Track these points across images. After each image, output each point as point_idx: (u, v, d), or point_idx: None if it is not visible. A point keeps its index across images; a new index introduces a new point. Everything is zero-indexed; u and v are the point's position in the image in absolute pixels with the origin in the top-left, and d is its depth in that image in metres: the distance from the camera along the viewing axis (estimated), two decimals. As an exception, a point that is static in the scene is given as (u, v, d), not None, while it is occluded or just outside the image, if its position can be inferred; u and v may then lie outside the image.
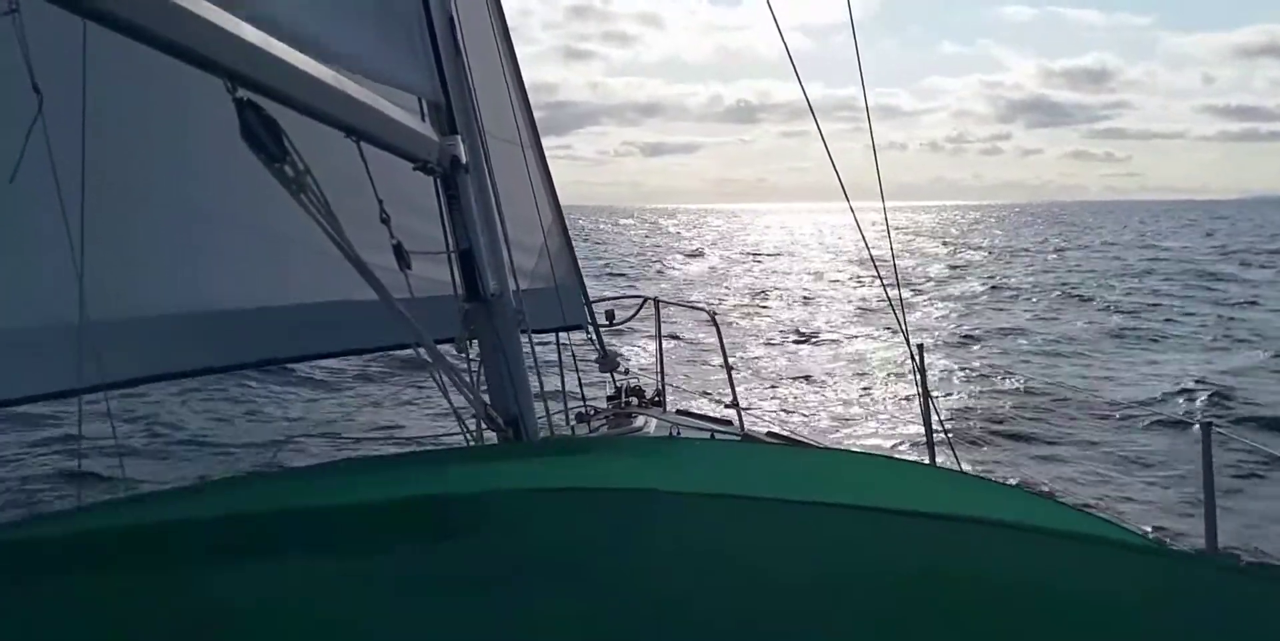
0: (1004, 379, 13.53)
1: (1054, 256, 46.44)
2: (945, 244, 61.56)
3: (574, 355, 5.53)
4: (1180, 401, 12.30)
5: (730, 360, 6.67)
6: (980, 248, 56.52)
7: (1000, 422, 11.49)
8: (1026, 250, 52.77)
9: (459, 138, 3.07)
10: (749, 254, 53.96)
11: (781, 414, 12.27)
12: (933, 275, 34.36)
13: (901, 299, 4.44)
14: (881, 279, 4.42)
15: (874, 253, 4.68)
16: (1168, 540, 7.07)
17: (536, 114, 5.06)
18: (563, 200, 5.14)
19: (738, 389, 6.68)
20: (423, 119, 3.04)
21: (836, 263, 43.93)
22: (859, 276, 32.77)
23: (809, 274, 37.29)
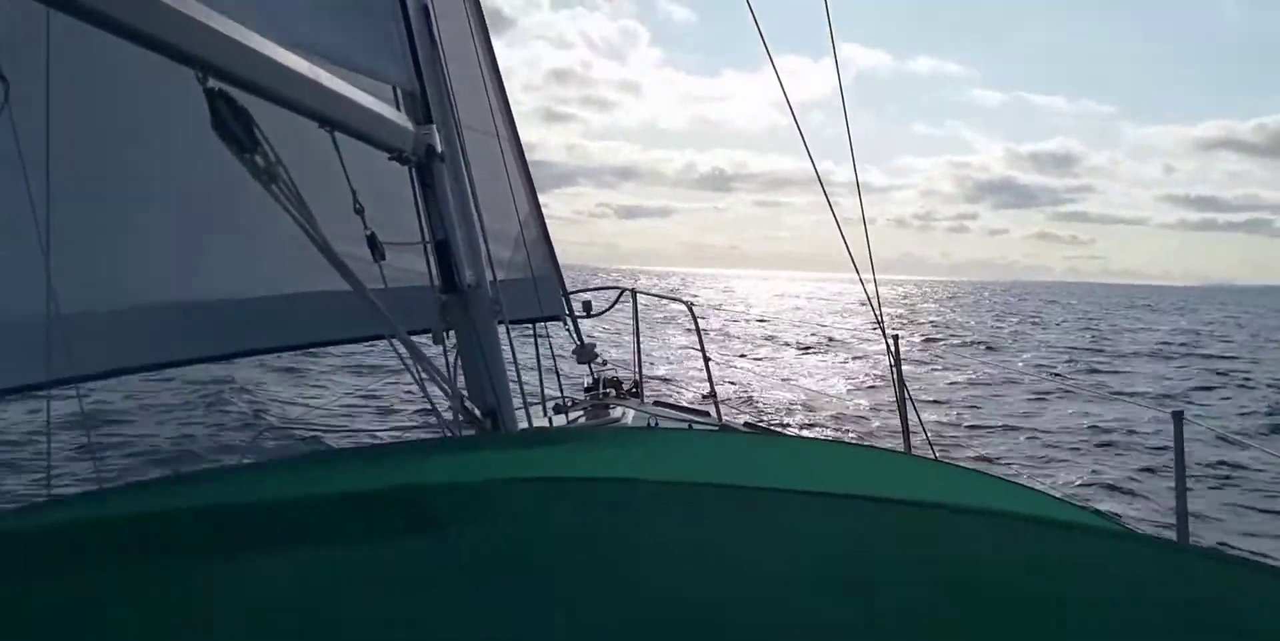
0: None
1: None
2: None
3: (551, 346, 5.53)
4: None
5: (707, 352, 6.68)
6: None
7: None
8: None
9: (434, 127, 3.04)
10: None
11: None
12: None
13: (878, 293, 4.50)
14: (861, 280, 4.49)
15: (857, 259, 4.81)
16: (1142, 528, 7.16)
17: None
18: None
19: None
20: (398, 108, 3.01)
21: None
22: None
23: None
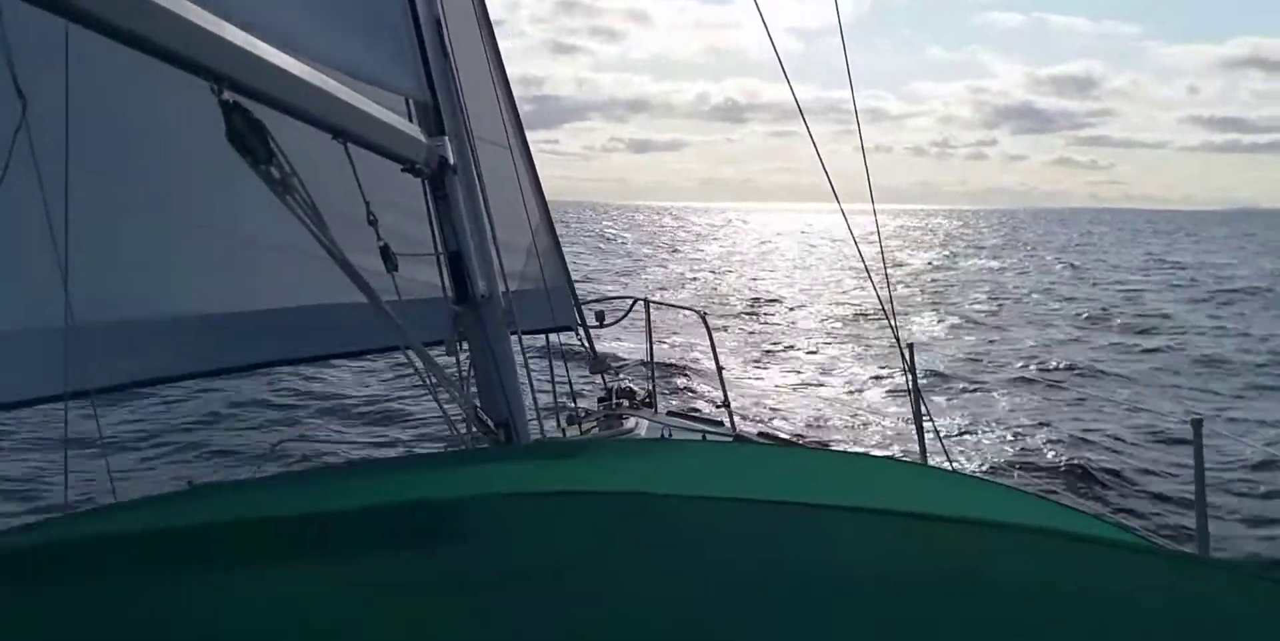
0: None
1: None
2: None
3: (564, 356, 5.53)
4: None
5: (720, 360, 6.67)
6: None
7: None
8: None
9: (446, 139, 3.06)
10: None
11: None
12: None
13: (892, 300, 4.48)
14: (873, 282, 4.46)
15: (863, 253, 4.70)
16: (1163, 540, 7.10)
17: (523, 108, 5.04)
18: (549, 195, 5.13)
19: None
20: (410, 120, 3.03)
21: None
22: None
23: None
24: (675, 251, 55.75)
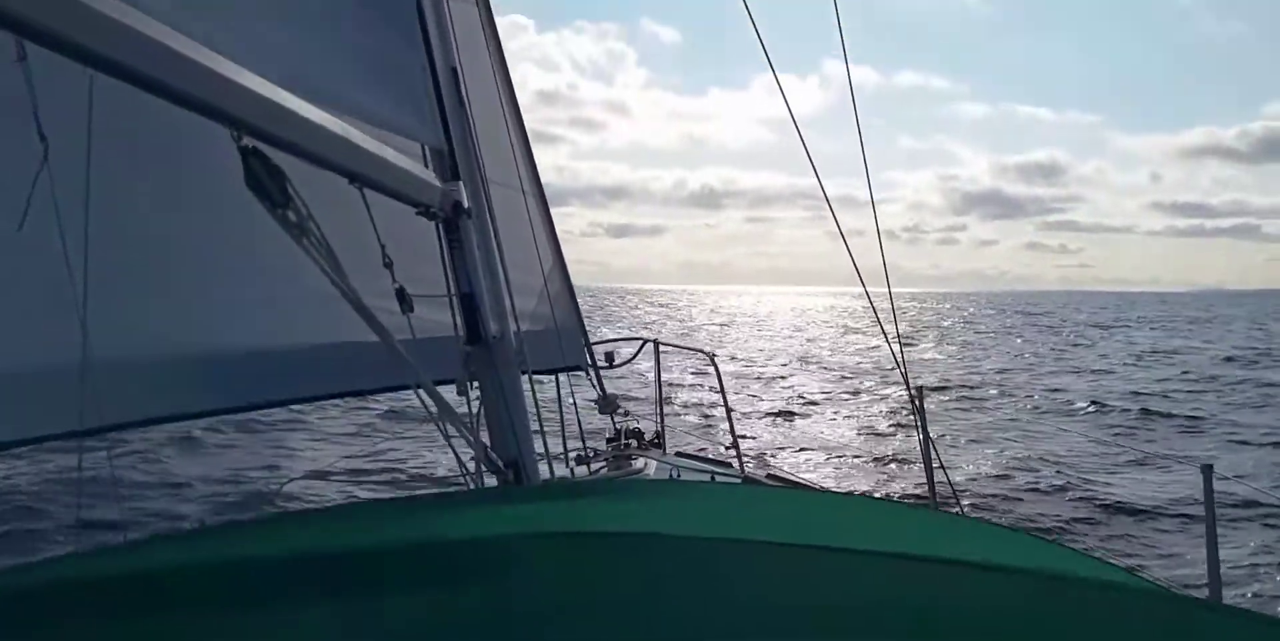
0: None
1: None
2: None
3: (574, 397, 5.54)
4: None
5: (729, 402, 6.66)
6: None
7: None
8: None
9: (461, 184, 3.10)
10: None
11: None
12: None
13: (901, 345, 4.49)
14: (881, 324, 4.49)
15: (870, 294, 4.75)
16: (1173, 585, 7.00)
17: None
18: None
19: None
20: (426, 165, 3.07)
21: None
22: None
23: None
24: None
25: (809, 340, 47.02)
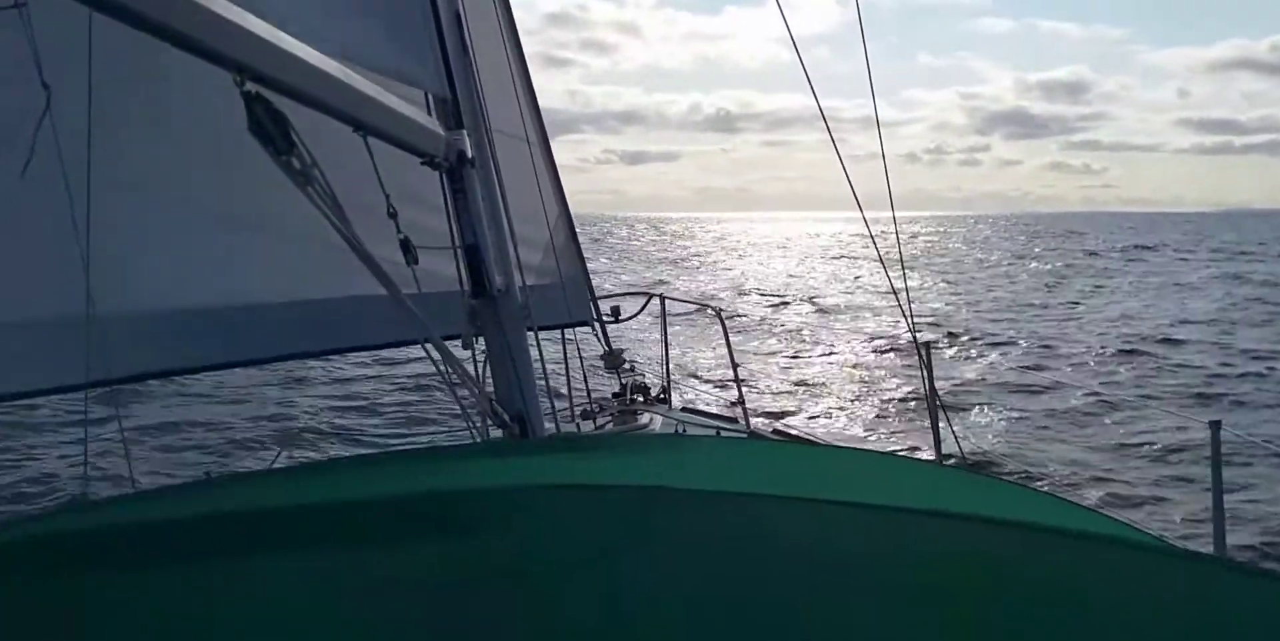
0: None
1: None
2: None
3: (580, 352, 5.53)
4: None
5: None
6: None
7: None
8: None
9: (465, 133, 3.06)
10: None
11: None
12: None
13: (909, 298, 4.44)
14: (890, 280, 4.44)
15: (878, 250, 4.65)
16: (1177, 540, 7.06)
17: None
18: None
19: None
20: (429, 113, 3.03)
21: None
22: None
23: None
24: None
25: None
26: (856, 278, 37.28)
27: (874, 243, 4.37)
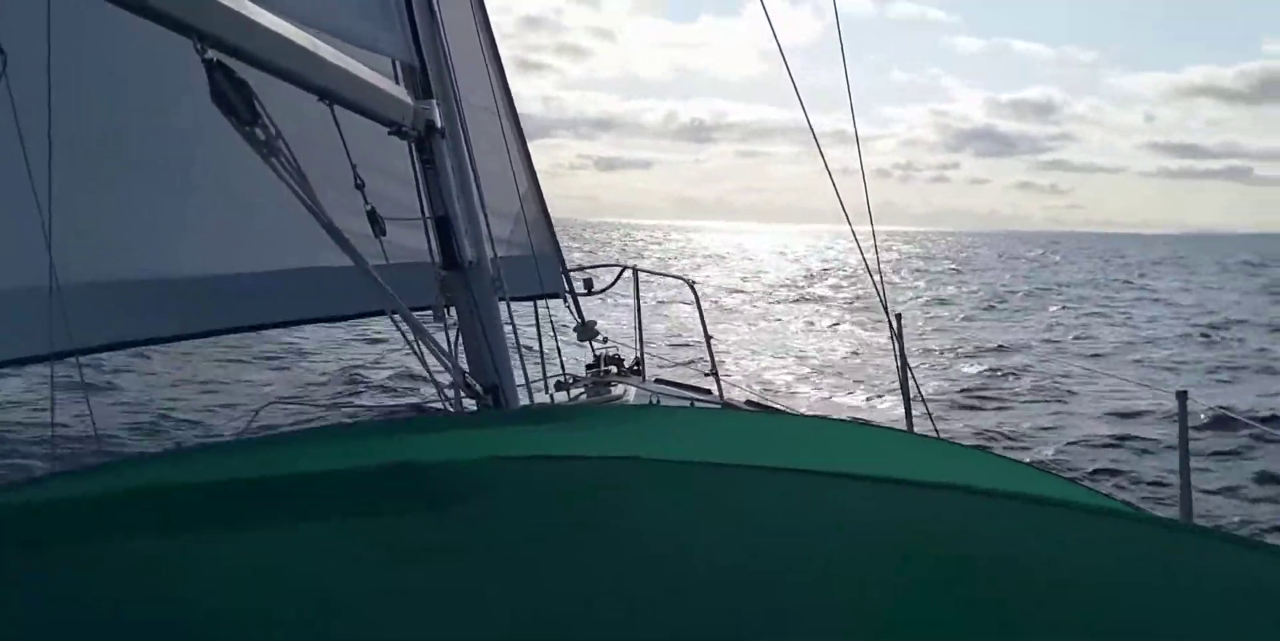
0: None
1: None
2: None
3: (552, 323, 5.52)
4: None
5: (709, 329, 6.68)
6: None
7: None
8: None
9: (434, 102, 3.02)
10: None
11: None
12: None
13: (881, 271, 4.49)
14: (862, 252, 4.49)
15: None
16: (1143, 507, 7.18)
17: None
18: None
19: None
20: (397, 83, 2.99)
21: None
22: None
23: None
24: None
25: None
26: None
27: (858, 244, 4.53)
